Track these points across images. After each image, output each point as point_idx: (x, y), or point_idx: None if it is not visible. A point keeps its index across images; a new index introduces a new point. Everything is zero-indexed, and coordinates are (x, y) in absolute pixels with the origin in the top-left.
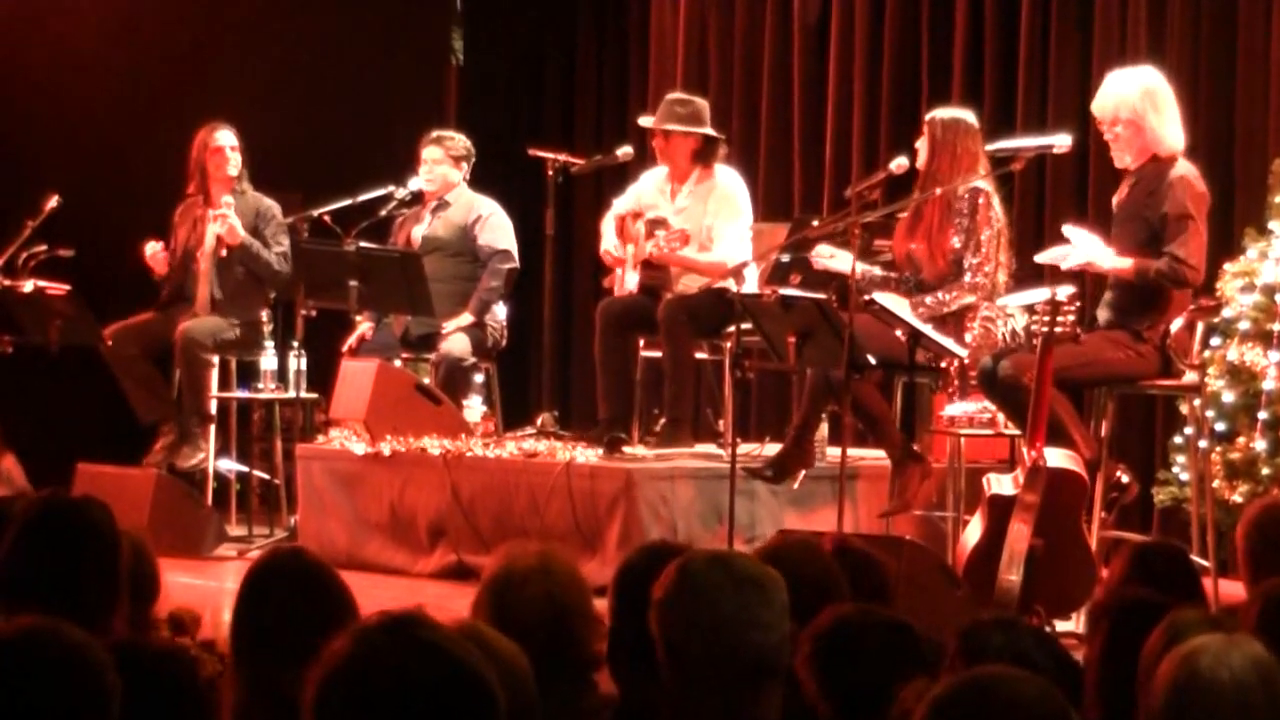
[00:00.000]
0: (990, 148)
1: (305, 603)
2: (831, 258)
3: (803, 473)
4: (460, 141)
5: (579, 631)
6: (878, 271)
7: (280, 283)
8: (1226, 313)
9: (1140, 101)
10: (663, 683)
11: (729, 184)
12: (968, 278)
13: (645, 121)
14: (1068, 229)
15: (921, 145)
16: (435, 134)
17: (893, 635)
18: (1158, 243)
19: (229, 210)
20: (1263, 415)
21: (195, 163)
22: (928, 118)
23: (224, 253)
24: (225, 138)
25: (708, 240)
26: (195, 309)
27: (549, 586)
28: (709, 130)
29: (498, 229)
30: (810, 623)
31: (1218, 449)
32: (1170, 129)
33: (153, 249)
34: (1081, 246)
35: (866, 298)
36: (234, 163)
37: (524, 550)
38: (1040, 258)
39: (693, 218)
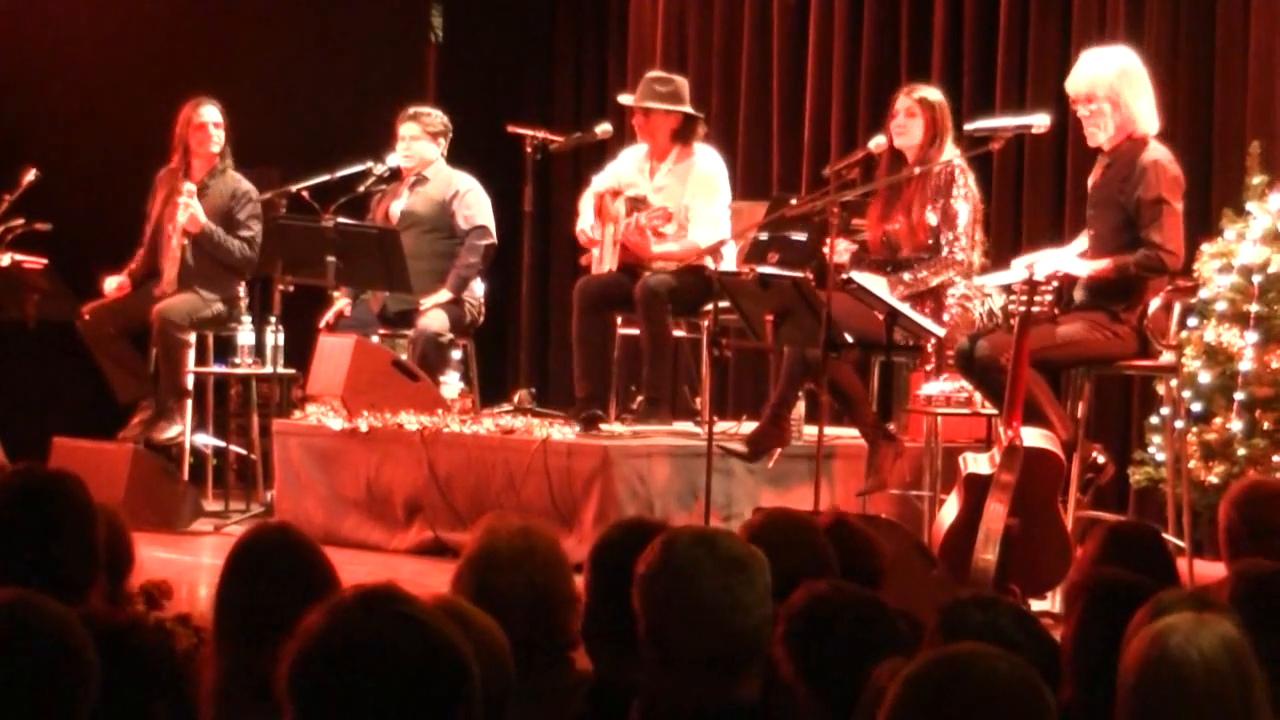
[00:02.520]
0: (969, 127)
1: (292, 579)
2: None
3: (778, 451)
4: (437, 117)
5: (560, 613)
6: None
7: (243, 269)
8: (1204, 294)
9: (1117, 80)
10: (641, 659)
11: (708, 164)
12: (945, 254)
13: (626, 99)
14: (1016, 264)
15: (912, 124)
16: (412, 110)
17: (867, 613)
18: (1133, 227)
19: (191, 199)
20: (1239, 396)
21: (179, 138)
22: (916, 96)
23: (185, 241)
24: (209, 114)
25: (684, 220)
26: (164, 286)
27: (532, 570)
28: (688, 109)
29: (476, 205)
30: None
31: (1194, 430)
32: (1146, 109)
33: (111, 283)
34: (1051, 257)
35: (844, 276)
36: (216, 139)
37: (507, 526)
38: (1015, 264)
39: (671, 196)
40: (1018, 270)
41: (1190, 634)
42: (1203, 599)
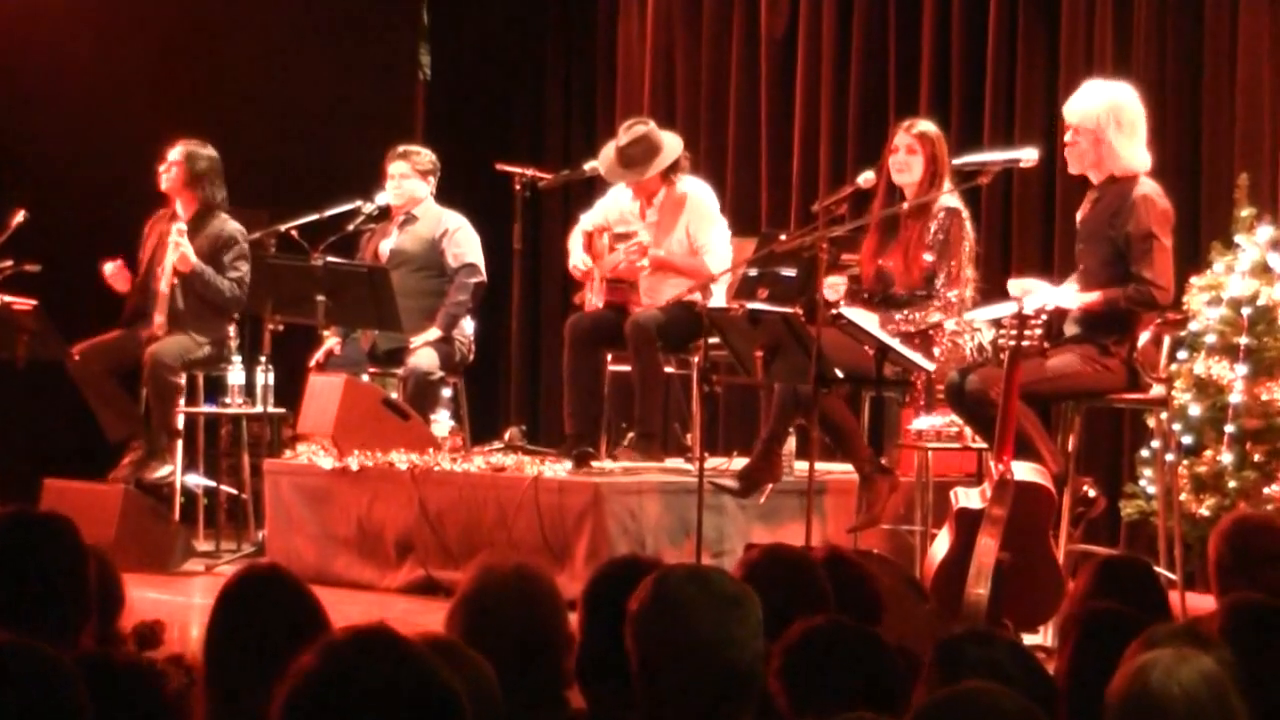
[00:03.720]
0: (957, 162)
1: (281, 619)
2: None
3: (770, 486)
4: (426, 155)
5: (554, 650)
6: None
7: (231, 309)
8: (1193, 326)
9: (1104, 116)
10: (635, 696)
11: (699, 194)
12: (938, 296)
13: (602, 169)
14: (1012, 285)
15: (913, 161)
16: (401, 148)
17: (863, 648)
18: (1122, 262)
19: (181, 238)
20: (1229, 429)
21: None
22: (916, 131)
23: (175, 280)
24: (171, 153)
25: (690, 254)
26: (154, 329)
27: (526, 609)
28: (666, 159)
29: (465, 243)
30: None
31: (1184, 462)
32: (1131, 149)
33: (111, 268)
34: (1042, 290)
35: (834, 312)
36: (167, 178)
37: (500, 565)
38: (1011, 284)
39: (665, 230)
40: (1010, 300)
41: (1171, 668)
42: (1195, 632)
